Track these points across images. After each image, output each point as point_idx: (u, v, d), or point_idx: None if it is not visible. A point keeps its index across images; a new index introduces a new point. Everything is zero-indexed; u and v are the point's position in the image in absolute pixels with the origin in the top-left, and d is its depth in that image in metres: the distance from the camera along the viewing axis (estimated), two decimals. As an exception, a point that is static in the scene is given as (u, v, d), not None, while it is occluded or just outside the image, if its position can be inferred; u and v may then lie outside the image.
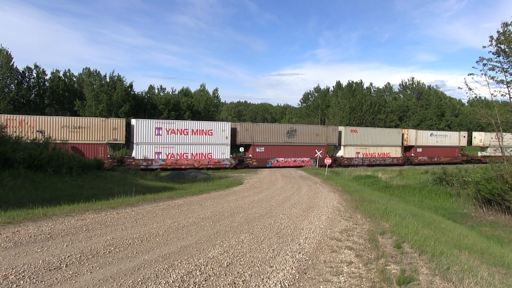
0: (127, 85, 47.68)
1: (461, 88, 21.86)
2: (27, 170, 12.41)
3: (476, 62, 15.94)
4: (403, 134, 40.10)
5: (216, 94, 63.06)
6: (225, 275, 4.58)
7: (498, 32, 15.44)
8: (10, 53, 39.29)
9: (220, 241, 6.24)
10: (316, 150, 33.26)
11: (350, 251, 5.97)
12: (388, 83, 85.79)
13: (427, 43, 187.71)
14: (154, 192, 12.47)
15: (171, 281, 4.28)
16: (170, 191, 13.28)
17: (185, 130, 29.28)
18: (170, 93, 57.07)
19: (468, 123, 64.33)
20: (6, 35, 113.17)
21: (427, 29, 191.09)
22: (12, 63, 39.49)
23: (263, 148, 32.17)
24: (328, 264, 5.25)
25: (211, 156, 30.09)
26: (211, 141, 30.10)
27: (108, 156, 27.65)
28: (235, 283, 4.32)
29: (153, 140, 28.09)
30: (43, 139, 18.07)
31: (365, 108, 60.64)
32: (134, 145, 27.68)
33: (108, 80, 46.57)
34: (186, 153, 29.31)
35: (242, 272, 4.72)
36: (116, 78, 46.82)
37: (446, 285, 4.42)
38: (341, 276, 4.74)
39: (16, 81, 40.53)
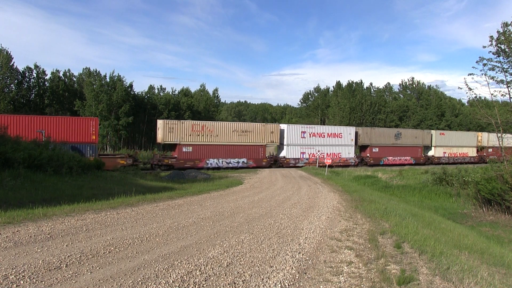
0: (127, 85, 47.70)
1: (461, 88, 21.90)
2: (27, 170, 12.41)
3: (476, 62, 15.96)
4: (477, 136, 45.32)
5: (216, 94, 63.10)
6: (225, 275, 4.58)
7: (498, 32, 15.45)
8: (10, 53, 39.33)
9: (220, 241, 6.24)
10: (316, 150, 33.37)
11: (350, 251, 5.97)
12: (388, 83, 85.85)
13: (427, 43, 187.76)
14: (154, 192, 12.47)
15: (171, 281, 4.28)
16: (170, 191, 13.27)
17: (322, 134, 34.58)
18: (170, 93, 57.11)
19: (468, 123, 64.33)
20: (6, 35, 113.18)
21: (427, 29, 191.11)
22: (12, 63, 39.51)
23: (377, 148, 37.69)
24: (328, 264, 5.25)
25: (341, 155, 35.33)
26: (341, 143, 35.38)
27: (266, 155, 32.26)
28: (235, 283, 4.32)
29: (299, 142, 33.23)
30: (43, 139, 18.12)
31: (365, 108, 60.68)
32: (285, 146, 32.73)
33: (108, 80, 46.58)
34: (323, 153, 34.20)
35: (242, 272, 4.72)
36: (116, 78, 46.83)
37: (446, 285, 4.42)
38: (341, 276, 4.74)
39: (16, 81, 40.56)
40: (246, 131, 30.66)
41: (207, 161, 29.13)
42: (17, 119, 23.24)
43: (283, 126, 33.15)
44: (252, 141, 30.93)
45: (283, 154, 32.92)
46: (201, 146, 28.85)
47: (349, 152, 35.59)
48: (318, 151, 33.95)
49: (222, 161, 29.70)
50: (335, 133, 35.05)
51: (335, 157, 34.67)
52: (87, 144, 24.93)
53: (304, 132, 33.42)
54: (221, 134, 29.64)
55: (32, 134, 22.24)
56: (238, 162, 30.39)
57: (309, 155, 33.58)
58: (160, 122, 28.50)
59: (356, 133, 36.49)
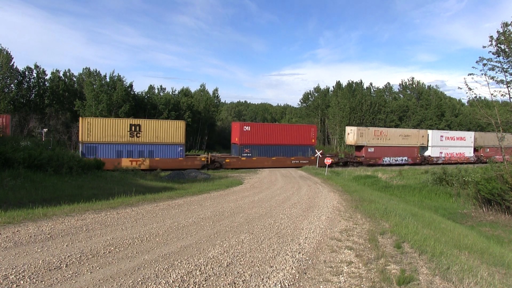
0: (127, 85, 47.69)
1: (461, 88, 21.89)
2: (27, 170, 12.41)
3: (476, 62, 15.92)
4: None
5: (216, 94, 63.06)
6: (225, 275, 4.58)
7: (498, 32, 15.42)
8: (10, 53, 39.32)
9: (220, 241, 6.24)
10: (316, 150, 33.47)
11: (350, 251, 5.97)
12: (388, 83, 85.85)
13: (427, 43, 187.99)
14: (154, 192, 12.46)
15: (171, 281, 4.28)
16: (170, 191, 13.27)
17: (453, 137, 42.43)
18: (170, 93, 57.08)
19: (468, 123, 64.32)
20: (6, 35, 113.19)
21: (427, 29, 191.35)
22: (12, 63, 39.50)
23: (488, 149, 45.10)
24: (328, 264, 5.25)
25: (464, 155, 43.21)
26: (464, 144, 43.21)
27: (419, 155, 40.45)
28: (235, 283, 4.32)
29: (438, 144, 41.50)
30: (43, 138, 18.16)
31: (365, 108, 60.63)
32: (429, 148, 41.04)
33: (108, 80, 46.57)
34: (452, 153, 42.32)
35: (242, 272, 4.72)
36: (116, 78, 46.83)
37: (446, 285, 4.42)
38: (341, 276, 4.74)
39: (16, 81, 40.54)
40: (406, 136, 39.22)
41: (384, 159, 37.76)
42: (260, 126, 32.54)
43: (429, 131, 41.76)
44: (410, 144, 39.32)
45: (427, 153, 41.28)
46: (380, 147, 37.51)
47: (469, 152, 43.62)
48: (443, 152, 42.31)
49: (392, 159, 38.35)
50: (461, 137, 43.08)
51: (461, 156, 42.99)
52: (308, 146, 33.48)
53: (442, 136, 41.81)
54: (392, 138, 38.18)
55: (274, 139, 32.05)
56: (402, 160, 39.07)
57: (445, 154, 41.92)
58: (352, 128, 37.56)
59: (474, 136, 44.93)
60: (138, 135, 27.62)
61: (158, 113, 49.35)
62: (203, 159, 29.96)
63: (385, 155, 37.74)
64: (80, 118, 26.79)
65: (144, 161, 27.76)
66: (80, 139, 26.42)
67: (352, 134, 37.05)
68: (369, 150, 36.63)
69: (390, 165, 37.53)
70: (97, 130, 26.40)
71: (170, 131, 28.54)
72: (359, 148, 37.71)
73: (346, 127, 40.49)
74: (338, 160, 35.44)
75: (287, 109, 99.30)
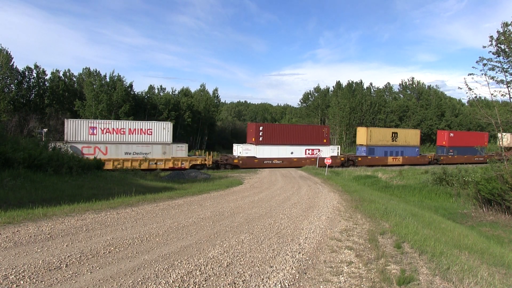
0: (127, 85, 47.69)
1: (461, 88, 21.88)
2: (27, 170, 12.41)
3: (476, 62, 15.92)
4: None
5: (216, 94, 63.08)
6: (225, 275, 4.58)
7: (498, 32, 15.41)
8: (10, 53, 39.28)
9: (220, 241, 6.23)
10: (317, 150, 33.51)
11: (350, 251, 5.96)
12: (388, 83, 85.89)
13: (427, 43, 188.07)
14: (154, 192, 12.46)
15: (171, 281, 4.27)
16: (170, 191, 13.27)
17: None
18: (170, 93, 57.06)
19: (468, 123, 64.34)
20: (6, 35, 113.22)
21: (427, 29, 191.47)
22: (12, 63, 39.46)
23: None
24: (328, 264, 5.25)
25: None
26: None
27: None
28: (235, 283, 4.32)
29: None
30: (43, 139, 18.23)
31: (365, 108, 60.67)
32: None
33: (108, 80, 46.56)
34: None
35: (242, 272, 4.72)
36: (116, 78, 46.82)
37: (446, 285, 4.42)
38: (341, 276, 4.74)
39: (16, 81, 40.50)
40: None
41: None
42: (458, 133, 44.80)
43: None
44: None
45: None
46: None
47: None
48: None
49: None
50: None
51: None
52: (482, 147, 42.33)
53: None
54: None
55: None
56: None
57: None
58: (505, 134, 47.80)
59: None
60: (395, 140, 39.01)
61: (158, 113, 49.34)
62: (429, 157, 41.39)
63: None
64: (361, 128, 39.29)
65: (398, 159, 38.87)
66: (360, 143, 38.32)
67: (505, 139, 49.76)
68: None
69: None
70: (375, 136, 37.76)
71: (411, 137, 40.27)
72: (507, 149, 46.59)
73: (501, 133, 53.89)
74: (497, 158, 45.19)
75: (287, 109, 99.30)
